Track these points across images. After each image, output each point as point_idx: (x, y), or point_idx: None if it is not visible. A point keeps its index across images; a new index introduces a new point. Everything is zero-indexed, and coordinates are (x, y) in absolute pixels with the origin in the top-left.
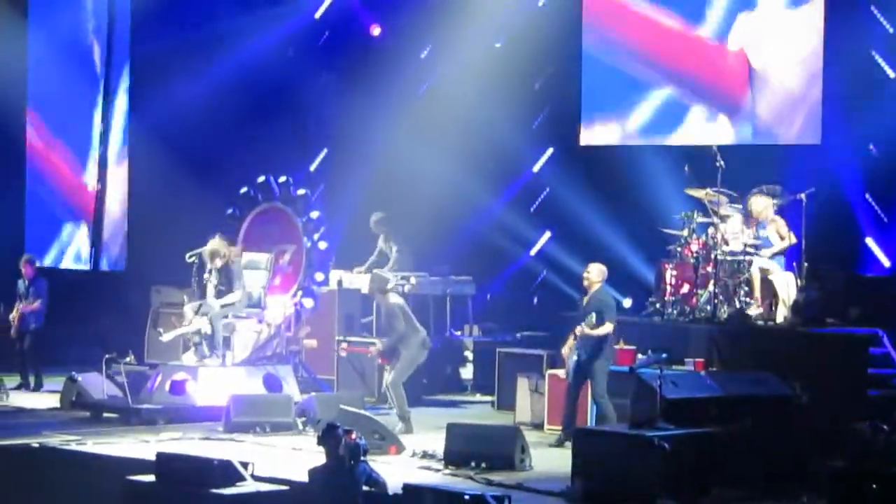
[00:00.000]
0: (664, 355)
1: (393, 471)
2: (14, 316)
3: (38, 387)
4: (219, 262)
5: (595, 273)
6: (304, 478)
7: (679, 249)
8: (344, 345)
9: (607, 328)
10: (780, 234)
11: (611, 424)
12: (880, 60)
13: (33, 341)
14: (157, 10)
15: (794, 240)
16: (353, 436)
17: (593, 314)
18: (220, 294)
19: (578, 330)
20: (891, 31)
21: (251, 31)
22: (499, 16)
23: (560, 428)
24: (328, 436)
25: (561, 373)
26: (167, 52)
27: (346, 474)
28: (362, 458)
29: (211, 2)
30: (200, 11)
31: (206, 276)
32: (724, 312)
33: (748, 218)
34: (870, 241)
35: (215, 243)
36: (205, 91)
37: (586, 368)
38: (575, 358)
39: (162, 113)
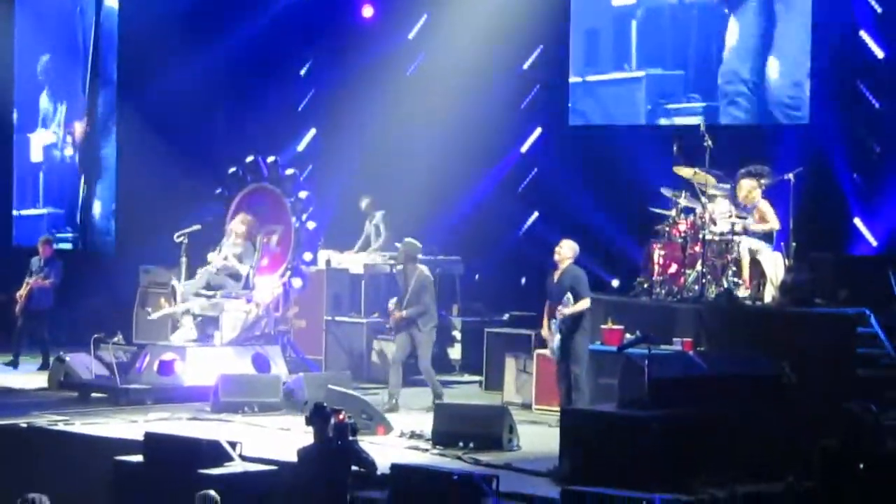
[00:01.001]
0: (639, 334)
1: (381, 451)
2: (22, 293)
3: (45, 366)
4: (242, 232)
5: (567, 249)
6: (293, 458)
7: (667, 229)
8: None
9: (585, 303)
10: (764, 220)
11: (585, 401)
12: (868, 40)
13: (44, 322)
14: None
15: (777, 225)
16: (342, 416)
17: (569, 295)
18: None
19: (558, 312)
20: (879, 10)
21: (240, 9)
22: None
23: (557, 409)
24: (316, 416)
25: (549, 353)
26: (154, 32)
27: (335, 454)
28: (351, 437)
29: None
30: None
31: (224, 243)
32: (712, 292)
33: (735, 201)
34: (857, 221)
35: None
36: (193, 71)
37: (569, 345)
38: (559, 337)
39: (150, 93)
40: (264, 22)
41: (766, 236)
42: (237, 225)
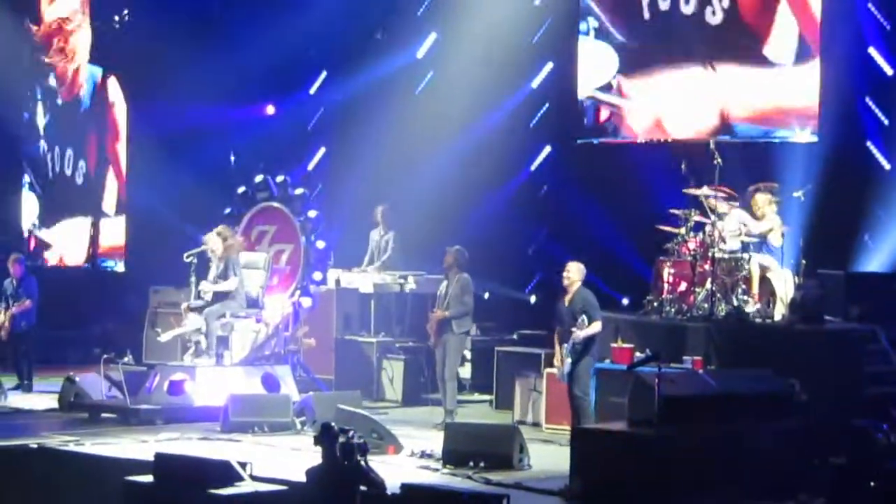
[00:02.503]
0: (648, 353)
1: (391, 470)
2: (3, 320)
3: (25, 386)
4: (219, 251)
5: (575, 272)
6: (302, 478)
7: (676, 247)
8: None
9: (597, 326)
10: (771, 229)
11: (589, 422)
12: (878, 57)
13: (28, 342)
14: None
15: (778, 239)
16: (351, 435)
17: (585, 317)
18: (223, 277)
19: (574, 335)
20: (888, 27)
21: (249, 28)
22: (495, 14)
23: (567, 428)
24: (324, 436)
25: (557, 375)
26: (164, 50)
27: (343, 474)
28: (360, 457)
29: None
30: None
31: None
32: (721, 310)
33: (750, 212)
34: (868, 239)
35: (216, 230)
36: (202, 89)
37: (575, 368)
38: (570, 360)
39: (159, 112)
40: (274, 41)
41: (775, 249)
42: (213, 244)
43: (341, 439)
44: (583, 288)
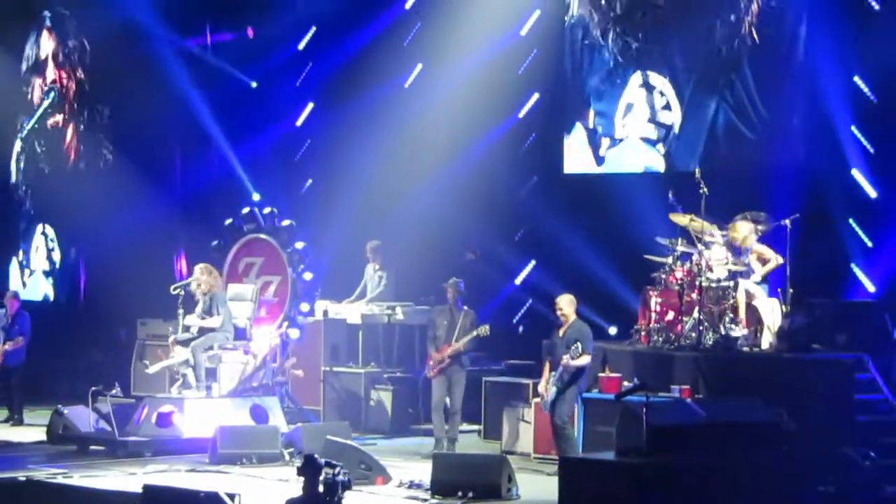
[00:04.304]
0: (636, 382)
1: (380, 501)
2: None
3: (19, 422)
4: (204, 288)
5: (567, 305)
6: None
7: (664, 276)
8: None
9: (586, 359)
10: (762, 260)
11: (572, 450)
12: (862, 85)
13: (18, 377)
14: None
15: (780, 260)
16: (337, 471)
17: (578, 344)
18: (208, 314)
19: (563, 361)
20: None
21: (235, 59)
22: (481, 45)
23: (556, 458)
24: (307, 467)
25: (542, 405)
26: (147, 82)
27: None
28: (340, 494)
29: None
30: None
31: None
32: (709, 339)
33: (731, 245)
34: (854, 267)
35: (199, 270)
36: (188, 121)
37: (557, 398)
38: (554, 390)
39: (144, 144)
40: (260, 72)
41: (762, 283)
42: (199, 279)
43: (325, 474)
44: (579, 321)
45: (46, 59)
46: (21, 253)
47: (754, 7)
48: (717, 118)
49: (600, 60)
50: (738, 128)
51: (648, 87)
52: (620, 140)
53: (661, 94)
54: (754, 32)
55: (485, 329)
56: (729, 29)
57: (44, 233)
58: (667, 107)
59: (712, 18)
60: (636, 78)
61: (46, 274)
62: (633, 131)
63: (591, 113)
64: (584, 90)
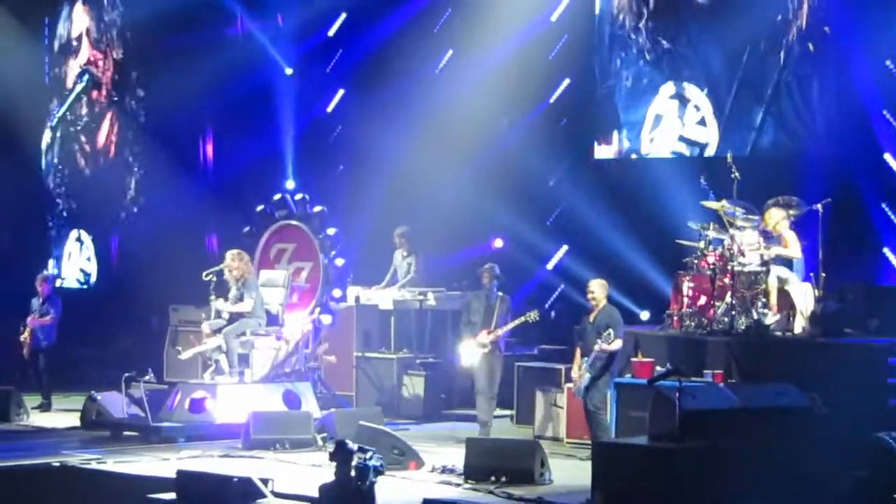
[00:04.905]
0: (669, 367)
1: (413, 486)
2: (26, 337)
3: (48, 407)
4: (236, 274)
5: (599, 290)
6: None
7: (696, 261)
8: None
9: (618, 343)
10: (786, 246)
11: (606, 435)
12: (892, 67)
13: (48, 359)
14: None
15: (798, 255)
16: (369, 456)
17: (611, 331)
18: (240, 298)
19: (596, 347)
20: None
21: (264, 46)
22: (511, 31)
23: (588, 443)
24: (338, 453)
25: (574, 391)
26: (180, 68)
27: (354, 495)
28: (372, 479)
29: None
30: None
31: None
32: (741, 324)
33: (763, 231)
34: (887, 251)
35: (230, 256)
36: (220, 107)
37: (592, 384)
38: (588, 376)
39: (177, 130)
40: (291, 59)
41: (789, 264)
42: (231, 265)
43: (357, 459)
44: (609, 305)
45: (80, 37)
46: (51, 263)
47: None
48: (762, 133)
49: (629, 59)
50: (783, 142)
51: (682, 100)
52: (647, 155)
53: (697, 108)
54: (803, 27)
55: (534, 315)
56: (774, 29)
57: (79, 239)
58: (701, 122)
59: (757, 19)
60: (668, 88)
61: (80, 283)
62: (662, 147)
63: (615, 136)
64: (612, 90)
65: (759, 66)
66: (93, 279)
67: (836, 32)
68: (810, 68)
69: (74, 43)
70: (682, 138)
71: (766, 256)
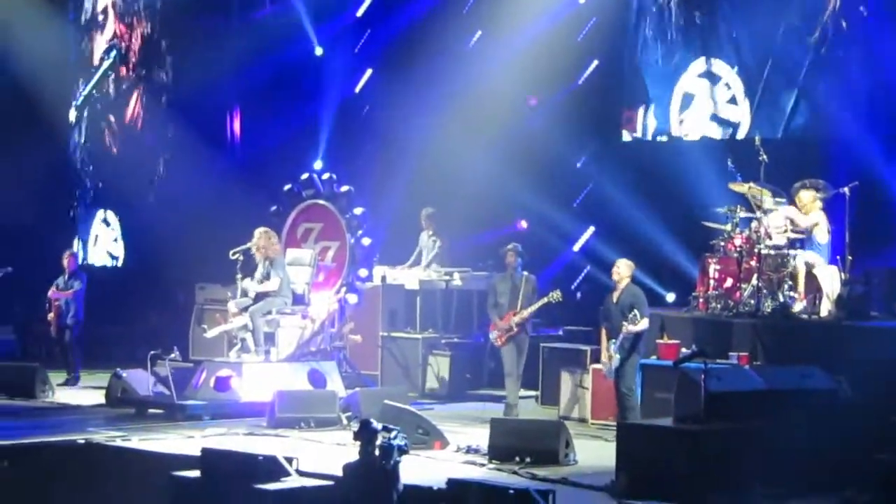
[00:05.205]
0: (694, 349)
1: (437, 465)
2: (52, 315)
3: (74, 381)
4: (263, 253)
5: (625, 268)
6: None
7: (722, 244)
8: None
9: (645, 323)
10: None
11: (635, 417)
12: None
13: (74, 336)
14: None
15: (825, 239)
16: (394, 435)
17: (636, 312)
18: (266, 277)
19: (624, 329)
20: None
21: (294, 27)
22: (540, 12)
23: (613, 424)
24: (362, 432)
25: (605, 372)
26: (208, 45)
27: (378, 474)
28: (397, 458)
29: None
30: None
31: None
32: (767, 306)
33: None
34: None
35: (258, 234)
36: (247, 87)
37: (622, 365)
38: (618, 357)
39: (205, 109)
40: (319, 39)
41: (821, 247)
42: (259, 244)
43: (381, 438)
44: (632, 284)
45: (106, 9)
46: (76, 244)
47: None
48: (795, 114)
49: (659, 34)
50: (815, 124)
51: (712, 78)
52: (677, 137)
53: (728, 86)
54: (838, 7)
55: (556, 295)
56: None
57: (105, 220)
58: (732, 101)
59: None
60: (698, 65)
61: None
62: (692, 130)
63: (640, 113)
64: (640, 66)
65: (793, 46)
66: (120, 263)
67: (872, 13)
68: (843, 50)
69: (100, 17)
70: (714, 117)
71: (793, 233)
